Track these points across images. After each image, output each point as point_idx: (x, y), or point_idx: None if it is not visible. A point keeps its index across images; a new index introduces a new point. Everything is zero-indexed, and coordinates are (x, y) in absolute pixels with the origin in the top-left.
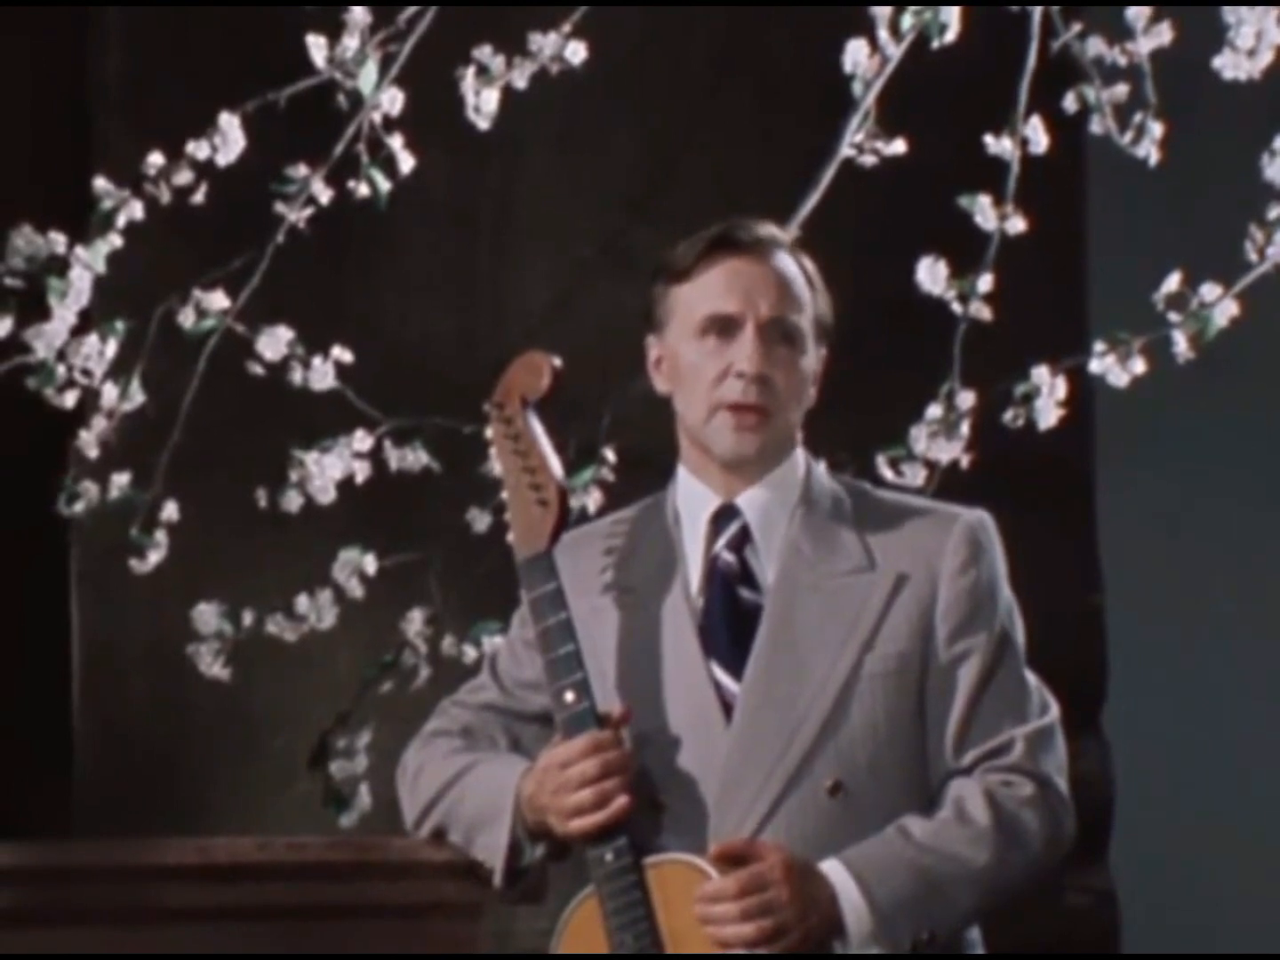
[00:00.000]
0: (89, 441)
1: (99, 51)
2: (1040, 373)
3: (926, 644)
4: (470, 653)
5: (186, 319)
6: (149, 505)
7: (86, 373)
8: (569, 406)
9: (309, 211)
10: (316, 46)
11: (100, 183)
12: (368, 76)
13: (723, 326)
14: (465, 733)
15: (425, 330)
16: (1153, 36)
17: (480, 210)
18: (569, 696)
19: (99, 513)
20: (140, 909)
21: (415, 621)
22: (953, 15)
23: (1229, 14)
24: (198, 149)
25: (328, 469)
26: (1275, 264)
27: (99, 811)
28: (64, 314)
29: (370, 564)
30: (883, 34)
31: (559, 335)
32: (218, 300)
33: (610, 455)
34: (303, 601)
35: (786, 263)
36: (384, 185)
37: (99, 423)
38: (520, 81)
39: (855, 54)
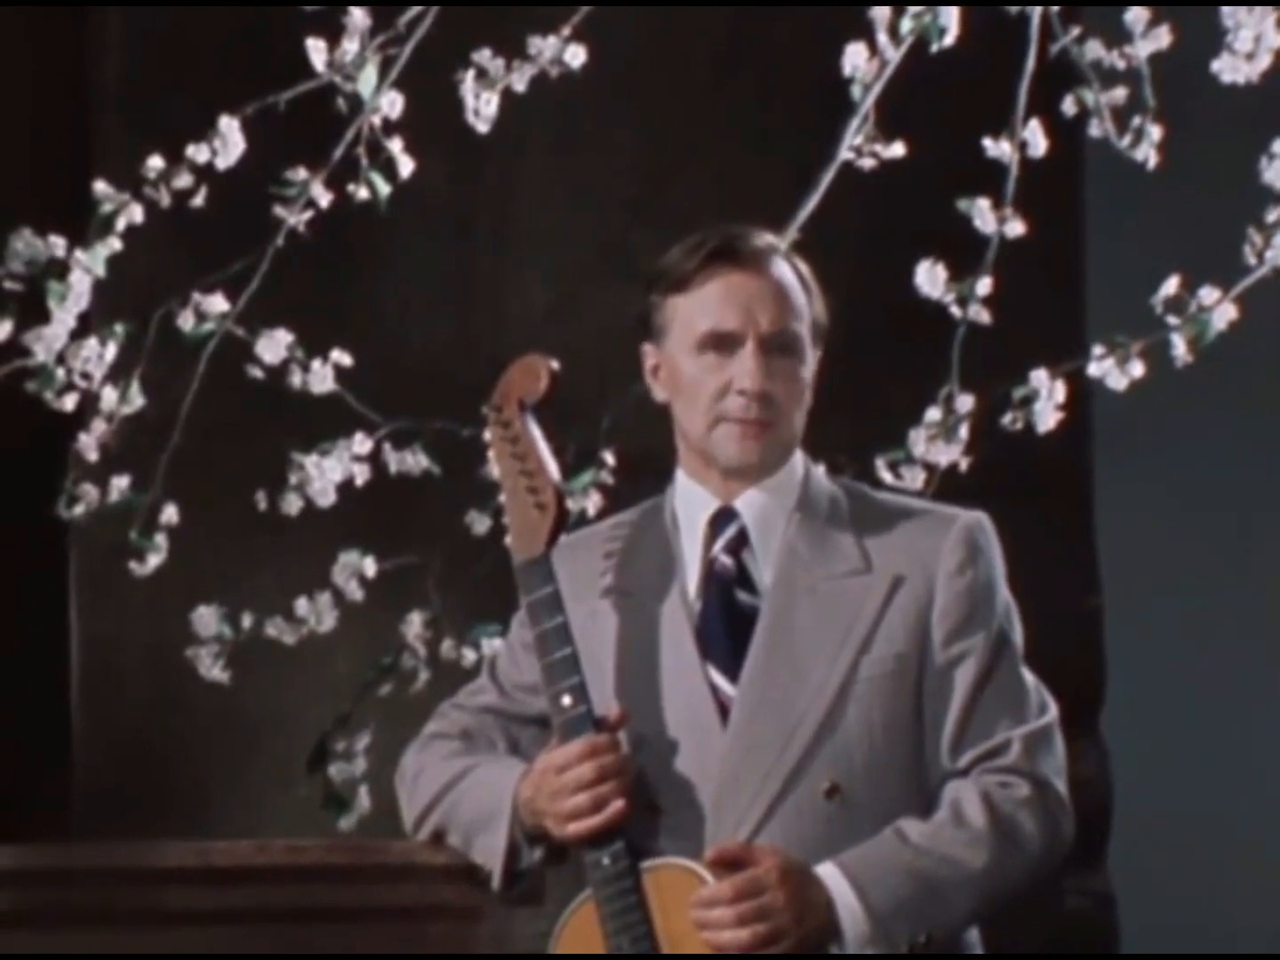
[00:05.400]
0: (88, 444)
1: (99, 54)
2: (1039, 376)
3: (923, 646)
4: (469, 655)
5: (186, 322)
6: (148, 508)
7: (86, 376)
8: (568, 409)
9: (308, 215)
10: (316, 50)
11: (100, 186)
12: (367, 80)
13: (722, 342)
14: (464, 735)
15: (425, 333)
16: (1151, 40)
17: (480, 213)
18: (566, 700)
19: (99, 516)
20: (139, 911)
21: (414, 624)
22: (952, 18)
23: (1228, 17)
24: (197, 152)
25: (327, 472)
26: (1274, 267)
27: (98, 814)
28: (63, 317)
29: (369, 567)
30: (882, 37)
31: (558, 338)
32: (217, 303)
33: (609, 458)
34: (302, 604)
35: (784, 271)
36: (383, 188)
37: (98, 426)
38: (520, 85)
39: (854, 57)
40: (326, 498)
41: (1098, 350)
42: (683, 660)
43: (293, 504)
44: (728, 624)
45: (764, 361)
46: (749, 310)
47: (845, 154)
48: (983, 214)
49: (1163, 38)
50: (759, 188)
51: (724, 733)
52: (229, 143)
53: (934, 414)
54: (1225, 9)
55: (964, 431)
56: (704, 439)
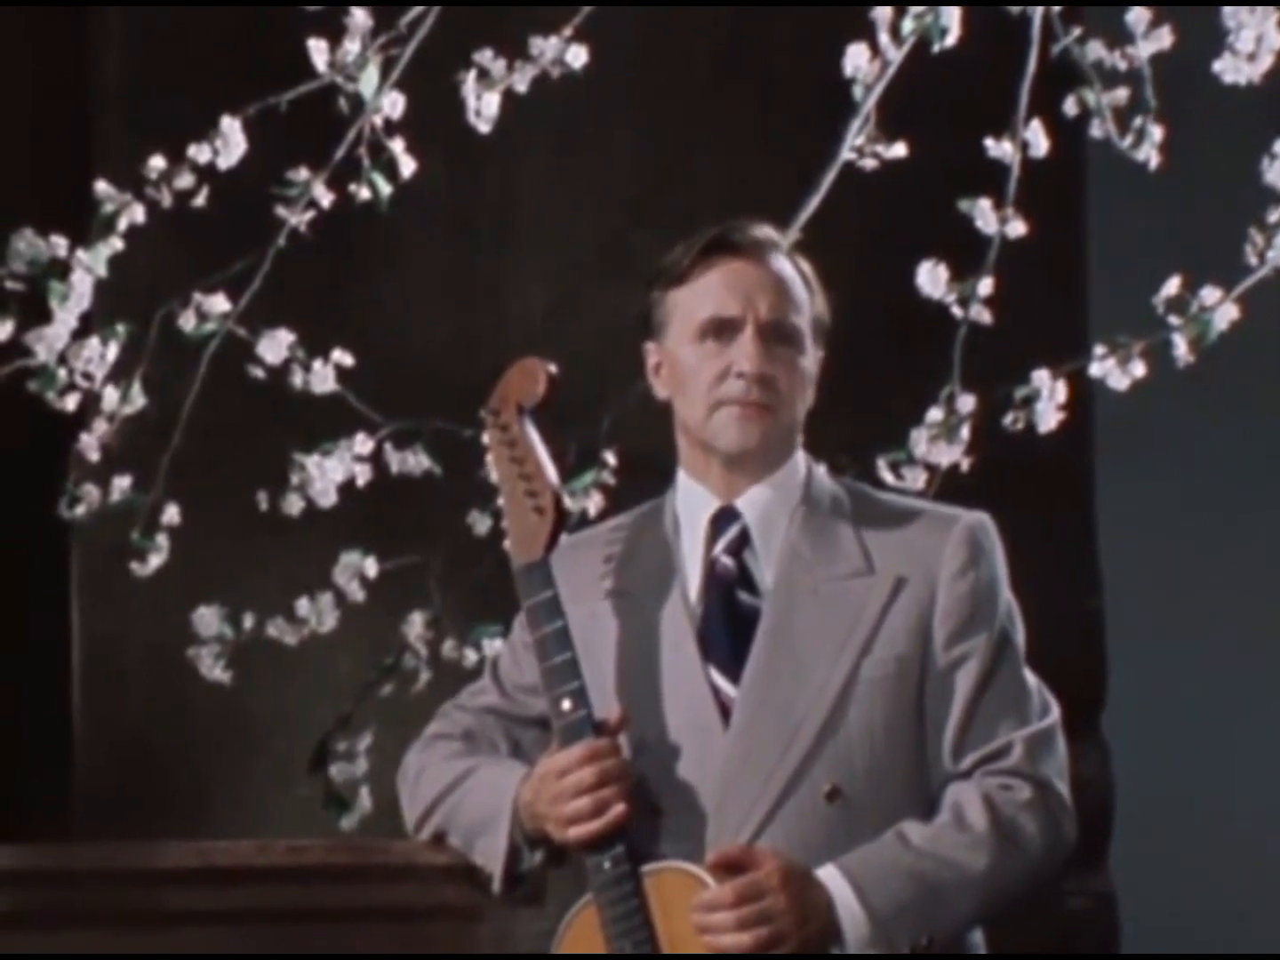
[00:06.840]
0: (90, 445)
1: (99, 53)
2: (1040, 376)
3: (925, 647)
4: (471, 656)
5: (187, 322)
6: (150, 508)
7: (88, 376)
8: (568, 410)
9: (310, 215)
10: (318, 50)
11: (101, 186)
12: (369, 80)
13: (722, 329)
14: (466, 736)
15: (426, 333)
16: (1153, 40)
17: (481, 213)
18: (566, 704)
19: (100, 516)
20: (140, 912)
21: (416, 624)
22: (953, 19)
23: (1229, 18)
24: (199, 152)
25: (328, 472)
26: (1275, 268)
27: (99, 814)
28: (65, 317)
29: (371, 567)
30: (883, 37)
31: (559, 338)
32: (219, 303)
33: (610, 459)
34: (303, 605)
35: (784, 264)
36: (385, 189)
37: (100, 426)
38: (521, 85)
39: (856, 58)
40: (328, 498)
41: (1099, 350)
42: (684, 662)
43: (294, 504)
44: (729, 625)
45: (763, 347)
46: (748, 297)
47: (847, 154)
48: (984, 214)
49: (1164, 38)
50: (760, 188)
51: (725, 734)
52: (230, 143)
53: (935, 414)
54: (1226, 9)
55: (965, 432)
56: (703, 426)
